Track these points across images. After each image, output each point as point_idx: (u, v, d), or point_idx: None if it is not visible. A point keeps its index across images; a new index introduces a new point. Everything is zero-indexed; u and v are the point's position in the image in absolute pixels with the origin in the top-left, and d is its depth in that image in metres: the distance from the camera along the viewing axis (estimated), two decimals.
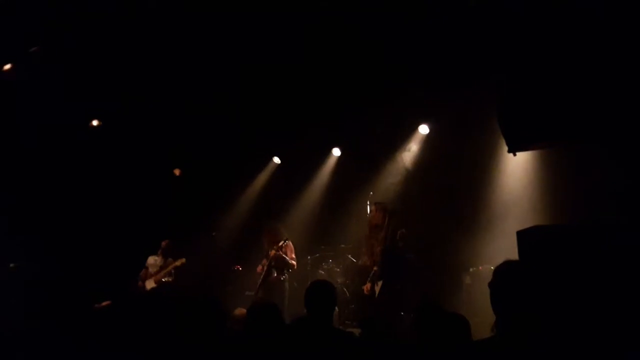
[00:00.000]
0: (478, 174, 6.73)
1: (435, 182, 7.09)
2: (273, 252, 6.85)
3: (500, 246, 5.66)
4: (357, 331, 5.99)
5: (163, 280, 7.42)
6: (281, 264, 6.87)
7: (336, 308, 6.47)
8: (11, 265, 7.58)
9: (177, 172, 8.81)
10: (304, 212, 8.25)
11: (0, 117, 7.30)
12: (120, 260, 7.62)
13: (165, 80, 7.02)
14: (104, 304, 7.11)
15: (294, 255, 6.98)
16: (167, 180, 8.74)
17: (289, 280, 6.95)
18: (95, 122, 8.02)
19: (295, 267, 6.97)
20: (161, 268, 7.47)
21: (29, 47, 6.39)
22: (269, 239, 7.03)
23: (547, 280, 2.36)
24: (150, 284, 7.48)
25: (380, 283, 6.00)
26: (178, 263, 7.40)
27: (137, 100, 7.48)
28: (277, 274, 6.89)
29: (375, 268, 6.03)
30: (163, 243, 7.58)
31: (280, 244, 6.87)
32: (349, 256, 7.42)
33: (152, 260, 7.60)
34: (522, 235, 3.22)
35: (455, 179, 6.90)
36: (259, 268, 7.00)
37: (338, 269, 7.51)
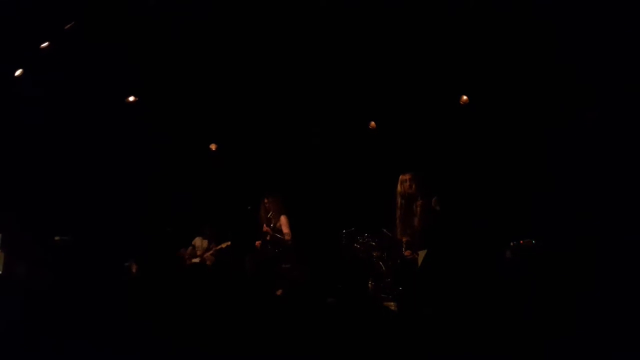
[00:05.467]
0: (521, 147, 6.54)
1: (471, 158, 6.93)
2: (265, 226, 6.87)
3: (544, 221, 5.50)
4: (392, 305, 5.96)
5: (205, 261, 7.67)
6: (275, 239, 6.85)
7: (371, 282, 6.47)
8: (56, 238, 7.86)
9: (213, 147, 8.82)
10: (339, 186, 8.16)
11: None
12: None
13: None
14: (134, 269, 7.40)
15: (288, 230, 6.92)
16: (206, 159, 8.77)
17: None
18: (131, 98, 8.07)
19: (290, 241, 6.90)
20: (205, 250, 7.81)
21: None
22: (265, 210, 7.02)
23: None
24: (193, 262, 7.73)
25: (421, 254, 5.89)
26: (223, 245, 7.71)
27: (179, 79, 7.53)
28: (271, 247, 6.90)
29: (405, 239, 5.91)
30: (207, 230, 7.83)
31: (269, 215, 6.87)
32: (384, 230, 7.32)
33: (199, 242, 7.87)
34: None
35: (495, 153, 6.71)
36: (258, 243, 7.03)
37: (374, 243, 7.43)
